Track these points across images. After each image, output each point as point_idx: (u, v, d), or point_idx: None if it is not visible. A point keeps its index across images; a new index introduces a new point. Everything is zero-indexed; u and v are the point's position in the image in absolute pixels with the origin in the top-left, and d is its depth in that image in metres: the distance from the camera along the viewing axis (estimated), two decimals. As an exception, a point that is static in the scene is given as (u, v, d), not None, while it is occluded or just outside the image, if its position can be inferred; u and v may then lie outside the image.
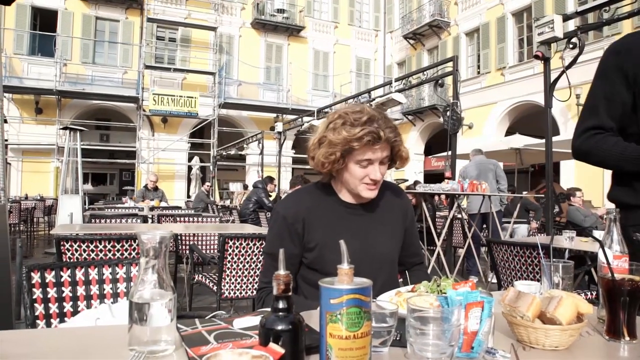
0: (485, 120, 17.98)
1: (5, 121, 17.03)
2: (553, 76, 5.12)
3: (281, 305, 0.88)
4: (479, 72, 18.67)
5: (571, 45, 4.90)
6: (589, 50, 13.43)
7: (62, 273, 1.90)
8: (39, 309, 1.84)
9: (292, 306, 0.89)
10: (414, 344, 0.91)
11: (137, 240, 3.17)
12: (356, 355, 0.81)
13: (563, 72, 4.85)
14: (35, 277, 1.85)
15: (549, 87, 5.06)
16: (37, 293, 1.84)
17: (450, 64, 6.63)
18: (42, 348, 1.06)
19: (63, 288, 1.90)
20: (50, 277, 1.88)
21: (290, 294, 0.89)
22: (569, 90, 5.29)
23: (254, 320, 1.18)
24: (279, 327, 0.87)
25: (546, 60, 5.02)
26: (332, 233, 1.66)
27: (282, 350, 0.81)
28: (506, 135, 16.50)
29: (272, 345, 0.83)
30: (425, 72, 7.95)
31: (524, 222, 8.14)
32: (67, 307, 1.89)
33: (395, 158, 1.67)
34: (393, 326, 1.04)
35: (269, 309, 0.91)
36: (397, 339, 1.07)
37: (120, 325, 1.24)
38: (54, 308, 1.87)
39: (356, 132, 1.54)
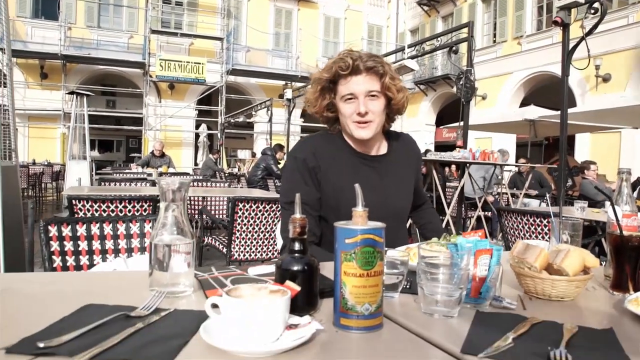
0: (499, 91, 17.78)
1: (11, 85, 17.08)
2: (572, 45, 5.05)
3: (297, 247, 0.94)
4: (494, 41, 18.37)
5: (592, 11, 4.82)
6: (611, 19, 13.17)
7: (78, 228, 1.97)
8: (57, 261, 1.92)
9: (307, 248, 0.94)
10: (425, 287, 0.97)
11: (147, 202, 3.25)
12: (369, 293, 0.86)
13: (582, 39, 4.79)
14: (53, 231, 1.92)
15: (567, 55, 5.00)
16: (55, 246, 1.92)
17: (465, 30, 6.56)
18: (67, 287, 1.13)
19: (79, 242, 1.97)
20: (67, 231, 1.95)
21: (305, 236, 0.94)
22: (588, 59, 5.23)
23: (268, 268, 1.24)
24: (295, 268, 0.93)
25: (565, 27, 4.95)
26: (346, 183, 1.65)
27: (298, 288, 0.86)
28: (521, 106, 16.35)
29: (288, 282, 0.88)
30: (439, 39, 7.86)
31: (537, 196, 8.15)
32: (84, 260, 1.97)
33: (386, 92, 1.62)
34: (403, 273, 1.10)
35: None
36: (408, 287, 1.13)
37: (140, 271, 1.31)
38: (70, 261, 1.95)
39: (327, 64, 1.62)
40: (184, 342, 0.78)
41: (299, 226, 0.95)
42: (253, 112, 17.73)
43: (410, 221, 2.29)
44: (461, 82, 6.36)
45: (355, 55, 1.59)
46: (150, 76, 18.33)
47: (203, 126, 18.82)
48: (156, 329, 0.84)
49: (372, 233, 0.86)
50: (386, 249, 1.17)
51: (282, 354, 0.74)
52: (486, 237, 1.06)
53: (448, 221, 5.92)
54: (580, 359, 0.73)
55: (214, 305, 0.81)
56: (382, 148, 1.76)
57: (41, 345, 0.74)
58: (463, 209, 6.74)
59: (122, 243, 2.00)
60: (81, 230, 1.97)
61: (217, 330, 0.79)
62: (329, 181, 1.67)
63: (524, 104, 16.45)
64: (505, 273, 1.14)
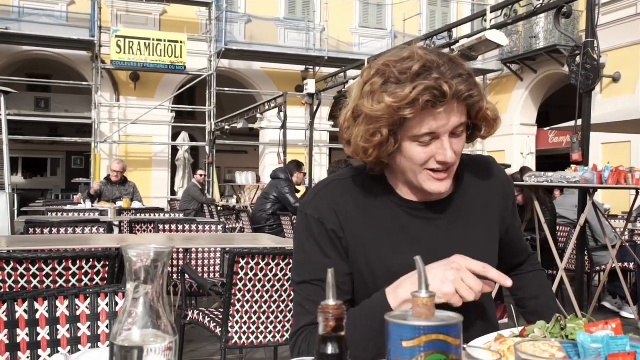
0: (640, 69, 17.50)
1: None
2: None
3: (330, 349, 0.94)
4: (631, -10, 18.16)
5: None
6: None
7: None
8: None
9: (345, 351, 0.94)
10: (528, 413, 0.95)
11: (104, 260, 3.29)
12: None
13: None
14: (-46, 314, 1.95)
15: None
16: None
17: (582, -20, 6.56)
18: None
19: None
20: (-23, 314, 1.97)
21: (342, 333, 0.94)
22: None
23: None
24: (329, 382, 0.93)
25: None
26: (388, 249, 1.67)
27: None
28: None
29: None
30: (540, -4, 7.86)
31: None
32: (1, 360, 1.99)
33: (477, 122, 1.63)
34: (495, 386, 1.08)
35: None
36: (502, 405, 1.12)
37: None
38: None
39: (406, 93, 1.50)
40: None
41: (333, 318, 0.95)
42: (258, 114, 17.90)
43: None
44: (577, 62, 6.32)
45: (445, 74, 1.51)
46: (103, 62, 18.69)
47: (183, 135, 19.05)
48: None
49: (443, 332, 0.86)
50: (464, 346, 1.16)
51: None
52: (623, 331, 1.04)
53: (562, 279, 5.83)
54: None
55: None
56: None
57: None
58: (587, 259, 6.62)
59: (63, 330, 2.03)
60: (0, 312, 1.99)
61: None
62: (360, 248, 1.68)
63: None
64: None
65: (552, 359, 0.98)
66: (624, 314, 7.16)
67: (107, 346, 1.99)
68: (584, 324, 1.31)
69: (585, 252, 6.58)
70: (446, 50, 7.40)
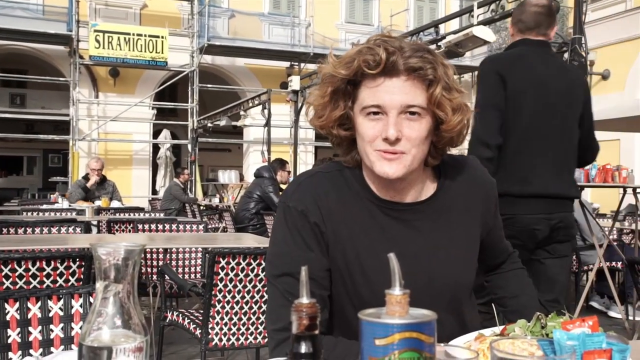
0: (630, 66, 17.57)
1: None
2: None
3: (304, 348, 0.94)
4: (620, -14, 18.23)
5: None
6: None
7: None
8: None
9: (319, 351, 0.94)
10: (504, 411, 0.96)
11: (79, 260, 3.28)
12: None
13: None
14: None
15: None
16: None
17: (570, -25, 6.60)
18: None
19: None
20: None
21: (316, 332, 0.94)
22: None
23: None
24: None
25: None
26: (365, 249, 1.67)
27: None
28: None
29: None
30: (528, -9, 7.90)
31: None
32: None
33: (434, 110, 1.57)
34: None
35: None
36: (479, 405, 1.13)
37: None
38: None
39: (347, 53, 1.58)
40: None
41: (307, 316, 0.95)
42: (242, 111, 17.84)
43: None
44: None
45: (394, 45, 1.53)
46: (81, 57, 18.55)
47: (165, 133, 18.95)
48: None
49: (417, 329, 0.86)
50: (441, 345, 1.16)
51: None
52: (600, 326, 1.05)
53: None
54: None
55: None
56: (425, 191, 1.73)
57: None
58: (574, 258, 6.65)
59: (35, 332, 2.02)
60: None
61: None
62: (339, 245, 1.67)
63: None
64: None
65: (529, 357, 0.99)
66: (612, 313, 7.22)
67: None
68: (562, 322, 1.32)
69: (573, 252, 6.61)
70: (432, 47, 7.43)
